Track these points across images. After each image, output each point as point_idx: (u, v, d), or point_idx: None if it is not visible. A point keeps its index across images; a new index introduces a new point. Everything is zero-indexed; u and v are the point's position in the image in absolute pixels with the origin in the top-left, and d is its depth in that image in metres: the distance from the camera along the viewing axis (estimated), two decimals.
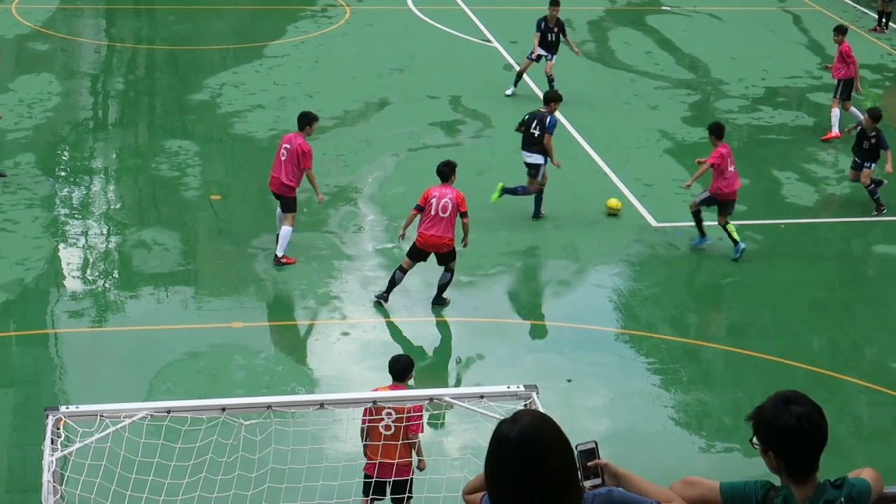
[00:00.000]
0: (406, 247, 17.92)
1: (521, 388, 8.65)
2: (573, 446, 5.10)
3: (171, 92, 25.78)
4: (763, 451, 5.45)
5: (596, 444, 5.54)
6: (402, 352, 14.93)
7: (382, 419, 12.24)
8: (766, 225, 21.01)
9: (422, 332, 17.43)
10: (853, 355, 17.30)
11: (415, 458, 12.60)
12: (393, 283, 17.72)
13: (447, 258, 17.62)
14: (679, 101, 26.28)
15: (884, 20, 31.95)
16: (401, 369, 12.88)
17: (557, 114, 21.00)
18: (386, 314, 17.74)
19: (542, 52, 25.32)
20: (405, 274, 17.67)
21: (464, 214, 17.44)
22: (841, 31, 25.48)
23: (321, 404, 9.07)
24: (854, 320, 18.30)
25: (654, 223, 20.71)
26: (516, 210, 20.91)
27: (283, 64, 27.30)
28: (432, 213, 17.31)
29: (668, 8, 33.15)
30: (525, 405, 8.33)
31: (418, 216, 17.47)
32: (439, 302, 17.84)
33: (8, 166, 21.40)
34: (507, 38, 29.25)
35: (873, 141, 21.32)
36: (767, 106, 26.36)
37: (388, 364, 12.96)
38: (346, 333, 17.29)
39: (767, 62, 29.03)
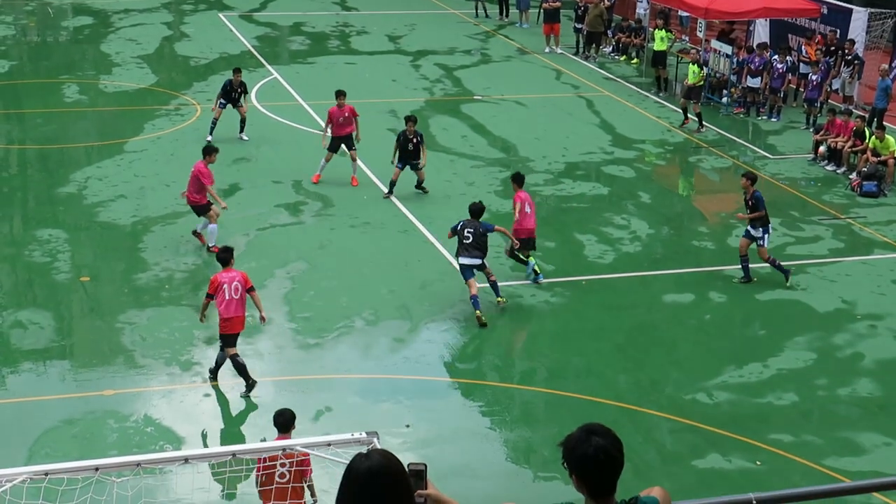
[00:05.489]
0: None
1: (364, 435, 8.59)
2: (405, 466, 5.15)
3: (41, 186, 25.19)
4: (569, 474, 5.51)
5: (425, 466, 5.54)
6: (261, 409, 14.74)
7: (276, 468, 12.12)
8: (570, 281, 21.26)
9: (277, 389, 17.22)
10: (653, 391, 17.55)
11: (309, 500, 12.55)
12: (244, 367, 16.94)
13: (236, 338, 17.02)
14: (492, 178, 26.55)
15: (689, 116, 31.44)
16: (284, 422, 12.92)
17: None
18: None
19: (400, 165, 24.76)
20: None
21: (251, 289, 16.91)
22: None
23: (186, 459, 8.87)
24: (652, 361, 18.57)
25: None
26: (354, 277, 20.87)
27: (141, 158, 26.92)
28: (227, 297, 16.66)
29: (480, 97, 33.54)
30: (367, 449, 8.26)
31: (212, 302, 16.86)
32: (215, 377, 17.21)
33: None
34: None
35: (751, 203, 21.17)
36: (568, 178, 26.78)
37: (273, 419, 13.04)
38: (207, 395, 17.01)
39: (567, 141, 29.54)
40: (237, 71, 28.29)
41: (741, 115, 32.50)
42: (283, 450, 8.86)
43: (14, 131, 29.13)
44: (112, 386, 17.02)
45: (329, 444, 8.63)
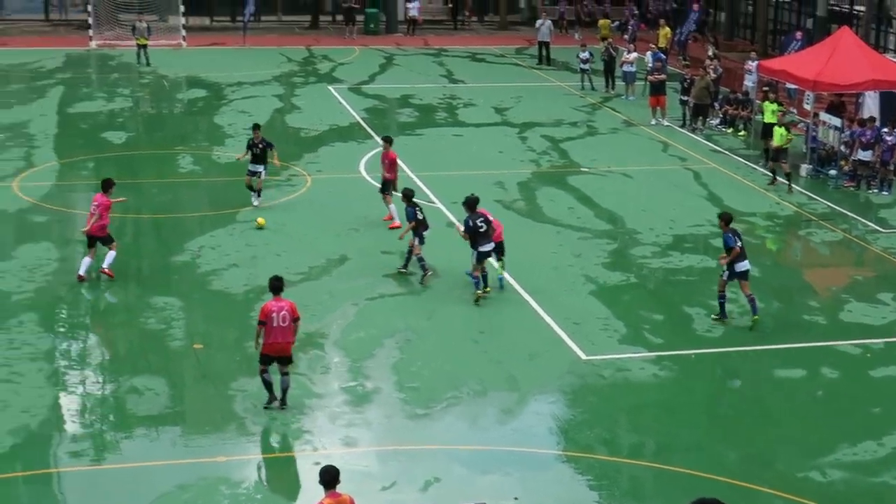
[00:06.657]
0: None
1: None
2: None
3: (156, 255, 25.80)
4: None
5: None
6: (370, 479, 14.83)
7: None
8: (679, 355, 21.13)
9: (384, 459, 17.32)
10: (764, 467, 17.32)
11: None
12: (270, 385, 18.42)
13: (288, 361, 18.38)
14: (599, 249, 26.57)
15: (777, 178, 32.22)
16: (330, 479, 13.26)
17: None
18: (353, 444, 17.64)
19: None
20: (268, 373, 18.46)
21: (297, 319, 18.27)
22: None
23: None
24: (762, 437, 18.34)
25: (583, 356, 20.82)
26: (461, 347, 20.97)
27: (253, 228, 27.39)
28: (275, 325, 18.00)
29: (587, 169, 33.65)
30: None
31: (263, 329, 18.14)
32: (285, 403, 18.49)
33: (13, 325, 21.38)
34: (448, 199, 29.52)
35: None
36: (676, 251, 26.70)
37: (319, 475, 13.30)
38: (317, 463, 17.10)
39: (674, 213, 29.49)
40: (256, 127, 29.44)
41: (851, 189, 32.17)
42: None
43: (130, 200, 29.76)
44: (224, 452, 17.27)
45: None
